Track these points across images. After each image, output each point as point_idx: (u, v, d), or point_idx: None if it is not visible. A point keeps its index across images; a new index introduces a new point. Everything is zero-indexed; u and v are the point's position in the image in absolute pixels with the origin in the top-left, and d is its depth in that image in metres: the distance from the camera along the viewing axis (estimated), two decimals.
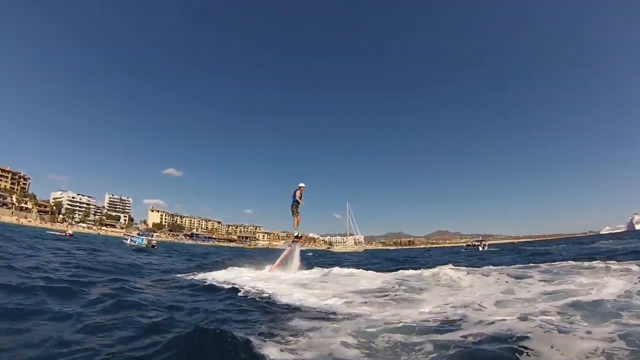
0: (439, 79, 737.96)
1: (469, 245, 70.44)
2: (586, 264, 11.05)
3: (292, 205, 15.04)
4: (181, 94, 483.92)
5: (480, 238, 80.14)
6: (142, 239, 53.96)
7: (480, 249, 55.63)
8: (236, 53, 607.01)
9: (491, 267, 12.69)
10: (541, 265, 11.75)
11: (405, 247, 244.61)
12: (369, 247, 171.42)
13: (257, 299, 7.74)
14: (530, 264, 12.68)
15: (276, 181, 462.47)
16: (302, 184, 14.90)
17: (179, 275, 12.28)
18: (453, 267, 12.55)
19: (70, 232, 63.80)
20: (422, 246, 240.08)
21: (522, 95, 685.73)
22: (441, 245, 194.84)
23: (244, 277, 11.73)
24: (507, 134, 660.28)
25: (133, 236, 56.74)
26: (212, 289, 9.25)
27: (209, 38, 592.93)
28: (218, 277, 11.56)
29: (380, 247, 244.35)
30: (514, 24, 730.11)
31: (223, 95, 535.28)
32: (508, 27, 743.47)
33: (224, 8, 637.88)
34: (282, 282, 10.94)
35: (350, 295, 8.16)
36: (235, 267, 15.20)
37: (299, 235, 15.52)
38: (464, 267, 12.46)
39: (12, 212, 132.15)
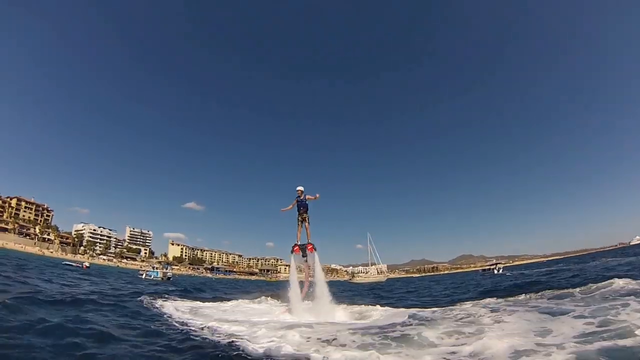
0: (461, 99, 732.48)
1: (485, 269, 69.47)
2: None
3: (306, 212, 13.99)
4: (201, 129, 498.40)
5: (494, 262, 79.15)
6: (157, 272, 54.42)
7: (495, 272, 55.89)
8: (257, 86, 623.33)
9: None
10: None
11: (428, 274, 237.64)
12: (391, 275, 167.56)
13: None
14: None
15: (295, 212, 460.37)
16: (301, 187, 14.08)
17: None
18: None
19: (87, 264, 64.50)
20: (445, 272, 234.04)
21: (546, 110, 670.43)
22: (465, 270, 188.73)
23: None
24: (525, 149, 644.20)
25: (148, 270, 57.21)
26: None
27: (230, 70, 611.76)
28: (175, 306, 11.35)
29: (403, 275, 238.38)
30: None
31: (243, 130, 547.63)
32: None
33: (245, 39, 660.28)
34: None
35: None
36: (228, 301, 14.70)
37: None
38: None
39: (35, 243, 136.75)
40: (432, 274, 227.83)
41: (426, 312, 10.08)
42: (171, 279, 49.91)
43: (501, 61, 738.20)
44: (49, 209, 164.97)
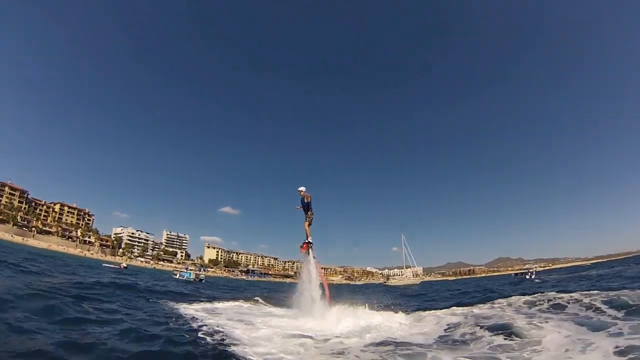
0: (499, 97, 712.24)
1: (517, 274, 67.85)
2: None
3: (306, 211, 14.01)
4: (236, 135, 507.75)
5: (527, 266, 77.14)
6: (190, 273, 56.41)
7: (527, 277, 54.86)
8: (290, 94, 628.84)
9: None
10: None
11: (465, 277, 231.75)
12: (427, 278, 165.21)
13: None
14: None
15: (332, 216, 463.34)
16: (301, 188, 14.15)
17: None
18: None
19: (124, 264, 67.52)
20: (482, 275, 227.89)
21: (587, 105, 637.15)
22: (502, 273, 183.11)
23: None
24: (566, 146, 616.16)
25: (182, 271, 59.57)
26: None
27: (262, 80, 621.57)
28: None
29: (439, 278, 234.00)
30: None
31: (278, 136, 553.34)
32: None
33: (279, 57, 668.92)
34: None
35: None
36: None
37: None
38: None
39: (77, 245, 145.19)
40: (468, 277, 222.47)
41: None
42: (203, 281, 51.40)
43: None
44: (90, 213, 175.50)
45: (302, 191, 14.00)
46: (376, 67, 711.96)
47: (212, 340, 7.00)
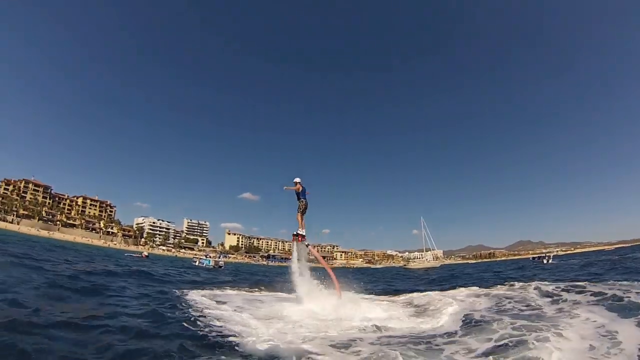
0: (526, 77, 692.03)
1: (535, 257, 67.16)
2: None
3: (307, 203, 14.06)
4: (251, 124, 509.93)
5: (545, 250, 76.02)
6: (210, 260, 57.50)
7: (545, 261, 54.50)
8: (312, 80, 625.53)
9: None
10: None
11: (485, 260, 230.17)
12: (447, 261, 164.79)
13: None
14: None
15: (353, 199, 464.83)
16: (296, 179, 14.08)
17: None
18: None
19: (145, 253, 69.08)
20: (502, 258, 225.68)
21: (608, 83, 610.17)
22: (523, 257, 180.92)
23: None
24: (589, 127, 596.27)
25: (201, 258, 60.88)
26: None
27: (282, 70, 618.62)
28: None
29: (459, 261, 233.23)
30: None
31: (295, 121, 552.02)
32: None
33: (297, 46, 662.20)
34: None
35: None
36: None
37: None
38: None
39: (100, 236, 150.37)
40: (489, 260, 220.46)
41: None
42: (222, 267, 52.40)
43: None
44: (112, 205, 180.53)
45: (297, 182, 13.93)
46: (397, 47, 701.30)
47: (202, 325, 7.34)
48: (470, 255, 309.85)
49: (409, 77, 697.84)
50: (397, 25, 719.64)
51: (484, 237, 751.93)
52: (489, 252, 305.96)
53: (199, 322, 7.42)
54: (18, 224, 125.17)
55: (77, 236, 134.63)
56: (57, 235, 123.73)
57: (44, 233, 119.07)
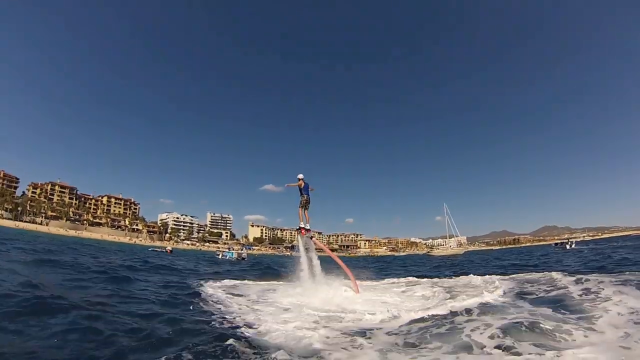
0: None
1: (557, 243, 65.90)
2: None
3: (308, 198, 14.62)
4: (270, 115, 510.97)
5: (566, 236, 74.97)
6: (233, 252, 58.40)
7: (568, 247, 54.62)
8: (329, 71, 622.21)
9: None
10: None
11: (509, 246, 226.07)
12: (471, 248, 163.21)
13: None
14: None
15: (377, 187, 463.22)
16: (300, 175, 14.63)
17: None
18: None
19: (169, 248, 70.40)
20: (527, 244, 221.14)
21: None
22: (548, 242, 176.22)
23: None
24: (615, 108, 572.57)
25: (224, 251, 61.91)
26: None
27: (299, 64, 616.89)
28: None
29: (483, 247, 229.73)
30: None
31: (317, 112, 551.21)
32: None
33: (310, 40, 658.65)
34: None
35: None
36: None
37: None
38: None
39: (126, 234, 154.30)
40: (513, 246, 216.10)
41: None
42: (245, 259, 53.03)
43: None
44: (136, 202, 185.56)
45: (300, 178, 14.51)
46: (416, 35, 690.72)
47: (209, 312, 7.62)
48: (494, 242, 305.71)
49: (427, 64, 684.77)
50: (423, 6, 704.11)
51: (509, 222, 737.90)
52: (513, 238, 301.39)
53: (206, 310, 7.59)
54: (47, 225, 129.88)
55: (103, 234, 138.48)
56: (85, 234, 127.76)
57: (72, 232, 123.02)
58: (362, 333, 6.34)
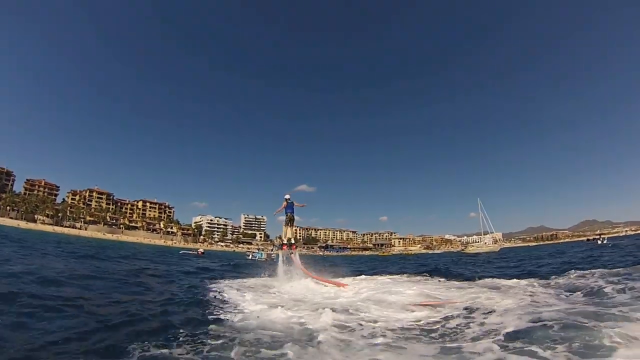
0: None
1: (589, 239, 63.82)
2: None
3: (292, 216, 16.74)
4: (306, 114, 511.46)
5: (598, 232, 71.87)
6: (262, 253, 59.73)
7: (599, 242, 53.69)
8: (357, 67, 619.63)
9: None
10: None
11: (547, 242, 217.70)
12: (507, 244, 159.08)
13: None
14: None
15: (411, 184, 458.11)
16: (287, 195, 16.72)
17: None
18: None
19: (201, 250, 72.24)
20: (566, 240, 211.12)
21: None
22: (588, 238, 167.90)
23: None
24: None
25: (254, 252, 63.41)
26: None
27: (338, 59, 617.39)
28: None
29: (519, 244, 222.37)
30: None
31: (351, 107, 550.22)
32: None
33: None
34: None
35: None
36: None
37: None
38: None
39: (161, 237, 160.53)
40: (551, 242, 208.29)
41: None
42: (275, 259, 54.04)
43: None
44: (170, 206, 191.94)
45: (286, 198, 16.62)
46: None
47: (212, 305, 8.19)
48: (531, 238, 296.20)
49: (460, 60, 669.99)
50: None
51: (546, 217, 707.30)
52: (551, 233, 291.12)
53: (211, 303, 8.18)
54: (86, 229, 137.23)
55: (139, 237, 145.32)
56: (122, 237, 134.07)
57: (109, 236, 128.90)
58: None
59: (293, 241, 16.65)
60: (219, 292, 10.16)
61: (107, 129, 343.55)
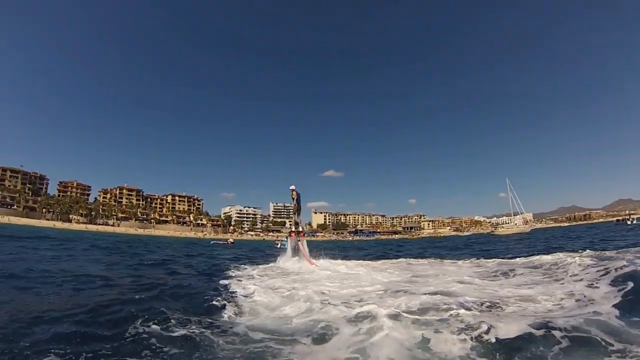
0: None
1: (619, 220, 61.65)
2: None
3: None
4: (331, 98, 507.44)
5: (627, 212, 69.29)
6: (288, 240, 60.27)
7: (629, 223, 53.51)
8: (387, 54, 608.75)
9: None
10: None
11: (579, 222, 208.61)
12: (537, 225, 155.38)
13: None
14: None
15: (438, 165, 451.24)
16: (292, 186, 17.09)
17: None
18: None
19: (231, 240, 73.55)
20: (600, 220, 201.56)
21: None
22: (623, 217, 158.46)
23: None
24: None
25: (282, 240, 64.16)
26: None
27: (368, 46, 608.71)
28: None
29: (551, 224, 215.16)
30: None
31: (375, 90, 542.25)
32: None
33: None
34: None
35: None
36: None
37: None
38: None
39: (191, 229, 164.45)
40: (584, 222, 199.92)
41: None
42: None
43: None
44: (199, 198, 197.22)
45: (292, 189, 17.01)
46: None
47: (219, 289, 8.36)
48: (563, 218, 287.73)
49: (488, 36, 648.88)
50: None
51: (578, 197, 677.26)
52: (584, 213, 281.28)
53: (218, 288, 8.50)
54: (118, 225, 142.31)
55: (170, 231, 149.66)
56: (153, 232, 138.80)
57: (141, 231, 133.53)
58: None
59: (300, 228, 17.22)
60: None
61: (133, 127, 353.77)
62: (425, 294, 6.11)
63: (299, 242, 16.77)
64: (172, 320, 4.83)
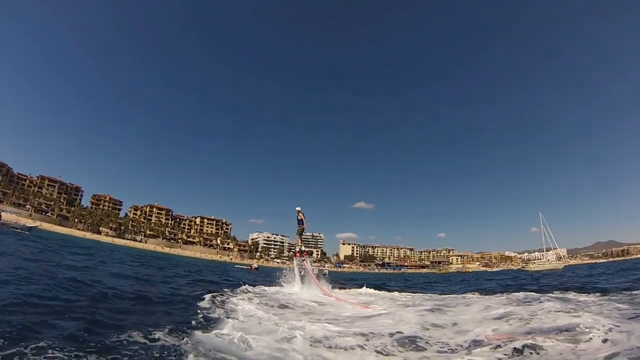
0: None
1: None
2: None
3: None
4: (365, 133, 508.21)
5: None
6: (314, 268, 59.35)
7: None
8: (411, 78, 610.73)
9: None
10: None
11: (617, 258, 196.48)
12: (572, 262, 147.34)
13: None
14: None
15: (469, 200, 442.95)
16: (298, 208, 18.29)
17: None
18: None
19: (255, 265, 73.40)
20: (639, 255, 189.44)
21: None
22: None
23: None
24: None
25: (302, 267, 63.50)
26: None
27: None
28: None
29: (586, 260, 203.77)
30: None
31: (405, 129, 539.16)
32: None
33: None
34: None
35: None
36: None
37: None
38: None
39: (217, 252, 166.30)
40: (622, 258, 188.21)
41: None
42: (326, 275, 53.66)
43: None
44: (227, 222, 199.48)
45: (298, 210, 18.24)
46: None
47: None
48: (599, 254, 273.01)
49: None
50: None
51: (616, 231, 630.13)
52: (621, 249, 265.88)
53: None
54: (146, 242, 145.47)
55: (196, 252, 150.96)
56: (180, 252, 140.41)
57: (167, 250, 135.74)
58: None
59: (303, 248, 18.61)
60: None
61: (168, 149, 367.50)
62: None
63: (304, 262, 17.82)
64: None
